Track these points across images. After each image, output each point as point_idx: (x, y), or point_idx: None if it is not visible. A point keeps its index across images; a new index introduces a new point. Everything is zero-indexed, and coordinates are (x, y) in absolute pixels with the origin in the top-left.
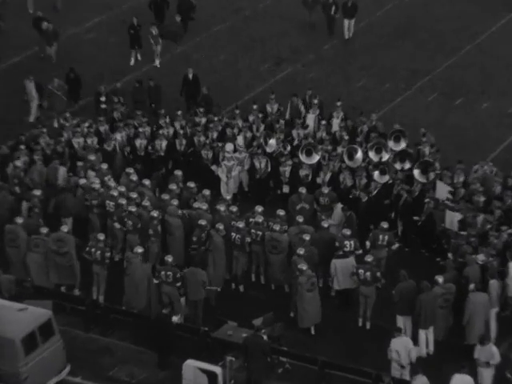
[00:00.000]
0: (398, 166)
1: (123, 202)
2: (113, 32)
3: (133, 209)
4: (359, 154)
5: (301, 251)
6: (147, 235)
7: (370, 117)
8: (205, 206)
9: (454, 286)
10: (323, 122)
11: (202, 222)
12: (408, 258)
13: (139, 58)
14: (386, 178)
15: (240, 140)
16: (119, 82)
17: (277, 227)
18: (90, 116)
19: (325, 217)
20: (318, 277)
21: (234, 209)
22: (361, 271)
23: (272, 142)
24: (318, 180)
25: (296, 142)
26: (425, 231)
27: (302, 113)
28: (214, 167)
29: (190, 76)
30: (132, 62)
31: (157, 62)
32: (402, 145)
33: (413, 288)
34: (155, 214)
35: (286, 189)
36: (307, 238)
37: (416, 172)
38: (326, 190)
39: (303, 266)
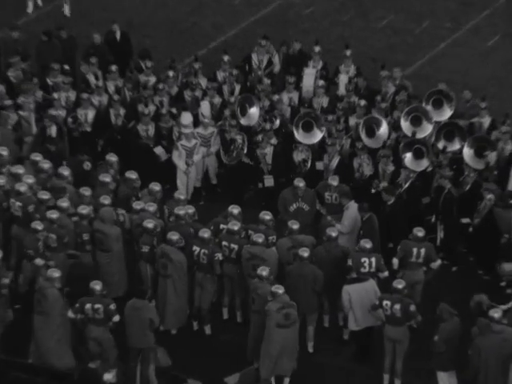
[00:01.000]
0: (440, 145)
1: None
2: None
3: (53, 215)
4: (383, 129)
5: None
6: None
7: (393, 73)
8: (152, 207)
9: None
10: (321, 83)
11: (149, 224)
12: (456, 282)
13: (40, 2)
14: (424, 163)
15: (205, 108)
16: (15, 32)
17: (260, 238)
18: None
19: (332, 221)
20: (323, 310)
21: (190, 210)
22: (387, 303)
23: (253, 111)
24: (320, 166)
25: (285, 114)
26: (481, 241)
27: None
28: (158, 149)
29: (118, 36)
30: (30, 8)
31: (65, 9)
32: (446, 114)
33: (460, 328)
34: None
35: (268, 181)
36: (305, 254)
37: (468, 154)
38: (333, 181)
39: (278, 289)
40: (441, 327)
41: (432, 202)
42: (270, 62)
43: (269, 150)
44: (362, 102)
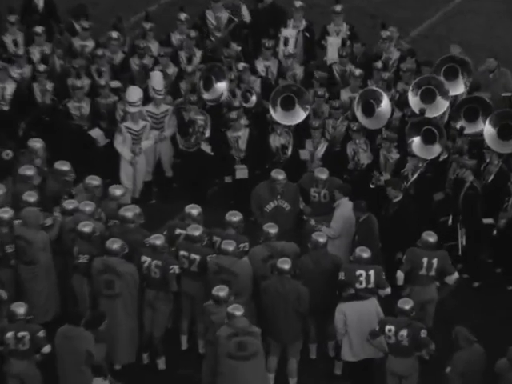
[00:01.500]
0: (458, 126)
1: None
2: None
3: None
4: (384, 105)
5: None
6: None
7: (391, 33)
8: (89, 207)
9: None
10: (290, 49)
11: (85, 228)
12: (478, 301)
13: None
14: (436, 149)
15: (156, 80)
16: None
17: (230, 246)
18: None
19: (319, 224)
20: (309, 338)
21: (137, 210)
22: (390, 329)
23: (220, 85)
24: (305, 155)
25: (254, 87)
26: (509, 248)
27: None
28: (95, 133)
29: (40, 4)
30: None
31: None
32: (461, 86)
33: (482, 359)
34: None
35: (241, 172)
36: (286, 266)
37: (490, 135)
38: (321, 173)
39: (236, 311)
40: (455, 357)
41: (447, 198)
42: (230, 20)
43: (243, 133)
44: (358, 72)
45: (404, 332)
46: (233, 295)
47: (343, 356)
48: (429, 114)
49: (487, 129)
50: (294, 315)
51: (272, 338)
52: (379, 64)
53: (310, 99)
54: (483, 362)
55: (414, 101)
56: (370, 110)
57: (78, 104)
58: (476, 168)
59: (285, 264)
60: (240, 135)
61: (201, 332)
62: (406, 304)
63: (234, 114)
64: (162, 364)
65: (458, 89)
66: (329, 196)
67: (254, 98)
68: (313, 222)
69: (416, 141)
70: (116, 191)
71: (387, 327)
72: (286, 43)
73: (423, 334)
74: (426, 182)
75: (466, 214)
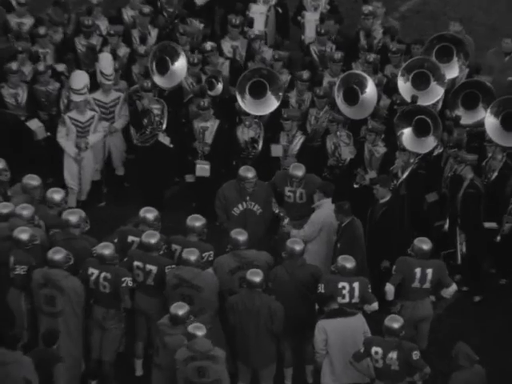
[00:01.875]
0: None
1: None
2: None
3: None
4: (369, 91)
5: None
6: None
7: (374, 8)
8: (27, 211)
9: None
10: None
11: (22, 235)
12: (480, 318)
13: None
14: (430, 143)
15: (105, 63)
16: None
17: (193, 255)
18: None
19: (288, 226)
20: (285, 362)
21: (82, 214)
22: (377, 351)
23: (177, 68)
24: (276, 151)
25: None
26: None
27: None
28: (34, 124)
29: None
30: None
31: None
32: (455, 69)
33: (483, 381)
34: None
35: (201, 169)
36: (257, 278)
37: (492, 125)
38: (297, 170)
39: (198, 330)
40: (454, 376)
41: (443, 199)
42: None
43: (212, 124)
44: (339, 54)
45: (393, 355)
46: (193, 314)
47: (323, 381)
48: (422, 102)
49: (489, 118)
50: (267, 335)
51: (241, 361)
52: (364, 43)
53: (283, 85)
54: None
55: (404, 87)
56: (352, 97)
57: (14, 91)
58: (476, 164)
59: (255, 276)
60: (208, 126)
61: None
62: (394, 322)
63: (205, 102)
64: None
65: (452, 72)
66: (306, 196)
67: (220, 86)
68: (286, 221)
69: (407, 133)
70: (55, 196)
71: (374, 349)
72: (250, 24)
73: (415, 356)
74: (419, 181)
75: (466, 217)
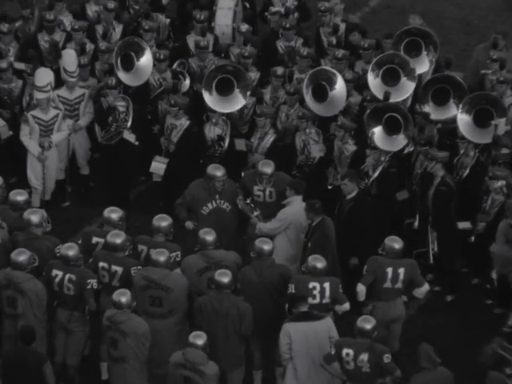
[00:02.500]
0: (428, 109)
1: None
2: None
3: None
4: (339, 88)
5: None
6: None
7: (331, 4)
8: None
9: None
10: (242, 26)
11: None
12: (452, 318)
13: None
14: (401, 141)
15: (69, 59)
16: None
17: (162, 256)
18: None
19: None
20: (254, 365)
21: (44, 214)
22: (348, 352)
23: (144, 63)
24: (240, 145)
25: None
26: (487, 256)
27: None
28: None
29: None
30: None
31: None
32: (425, 64)
33: (448, 382)
34: None
35: (156, 166)
36: (225, 279)
37: (465, 121)
38: (266, 167)
39: (198, 339)
40: (412, 379)
41: (414, 197)
42: None
43: (181, 124)
44: (305, 50)
45: (364, 357)
46: (163, 316)
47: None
48: (393, 98)
49: (461, 115)
50: (235, 337)
51: None
52: (333, 39)
53: (251, 83)
54: None
55: (374, 82)
56: (321, 93)
57: None
58: (448, 161)
59: (223, 277)
60: (177, 124)
61: None
62: (366, 323)
63: (183, 99)
64: None
65: (422, 66)
66: (275, 195)
67: (187, 82)
68: (256, 213)
69: (377, 131)
70: (18, 198)
71: (344, 351)
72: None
73: (387, 359)
74: (390, 179)
75: (437, 215)
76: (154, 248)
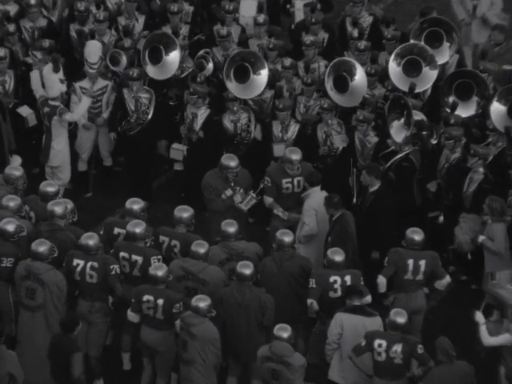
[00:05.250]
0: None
1: None
2: None
3: None
4: (358, 77)
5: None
6: None
7: None
8: (13, 202)
9: None
10: (261, 18)
11: (8, 226)
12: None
13: None
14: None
15: (91, 51)
16: None
17: (200, 248)
18: None
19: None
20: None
21: (69, 205)
22: (381, 343)
23: (173, 57)
24: (278, 151)
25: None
26: None
27: None
28: (24, 110)
29: None
30: None
31: None
32: (445, 54)
33: (463, 378)
34: None
35: (175, 153)
36: (247, 271)
37: (498, 113)
38: (294, 154)
39: (283, 332)
40: (429, 374)
41: (438, 191)
42: None
43: (202, 112)
44: (309, 39)
45: (398, 348)
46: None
47: (331, 376)
48: (417, 89)
49: (494, 106)
50: (257, 328)
51: (230, 356)
52: (354, 31)
53: (265, 65)
54: (466, 381)
55: (395, 72)
56: (342, 84)
57: (1, 78)
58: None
59: (245, 268)
60: (197, 114)
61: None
62: (399, 316)
63: (203, 87)
64: None
65: (442, 57)
66: (303, 184)
67: (210, 65)
68: (278, 212)
69: (396, 124)
70: (48, 188)
71: (377, 341)
72: None
73: (420, 349)
74: (406, 170)
75: (476, 211)
76: (175, 239)
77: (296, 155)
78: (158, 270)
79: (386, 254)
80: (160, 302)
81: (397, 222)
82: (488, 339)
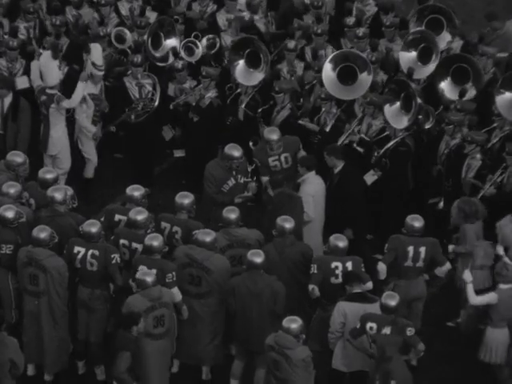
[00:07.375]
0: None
1: None
2: None
3: None
4: (367, 72)
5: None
6: None
7: None
8: (14, 189)
9: None
10: None
11: (8, 213)
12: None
13: None
14: (404, 122)
15: (97, 53)
16: None
17: (206, 237)
18: None
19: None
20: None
21: (69, 192)
22: (372, 326)
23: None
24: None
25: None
26: None
27: None
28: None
29: None
30: None
31: None
32: (445, 41)
33: None
34: None
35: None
36: (258, 259)
37: (504, 99)
38: (271, 134)
39: (292, 323)
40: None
41: (439, 177)
42: None
43: (210, 94)
44: (320, 28)
45: (387, 330)
46: (200, 296)
47: (334, 364)
48: (419, 75)
49: (501, 92)
50: (268, 317)
51: (239, 344)
52: (351, 19)
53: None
54: None
55: (406, 57)
56: (350, 76)
57: (10, 64)
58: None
59: (256, 257)
60: (205, 96)
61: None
62: (391, 299)
63: (215, 70)
64: (100, 374)
65: (442, 44)
66: (291, 159)
67: (199, 51)
68: (271, 192)
69: (392, 109)
70: (47, 175)
71: (368, 324)
72: None
73: (409, 332)
74: (400, 157)
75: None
76: (176, 225)
77: (274, 135)
78: (154, 240)
79: (360, 234)
80: (153, 272)
81: (395, 205)
82: (474, 298)
